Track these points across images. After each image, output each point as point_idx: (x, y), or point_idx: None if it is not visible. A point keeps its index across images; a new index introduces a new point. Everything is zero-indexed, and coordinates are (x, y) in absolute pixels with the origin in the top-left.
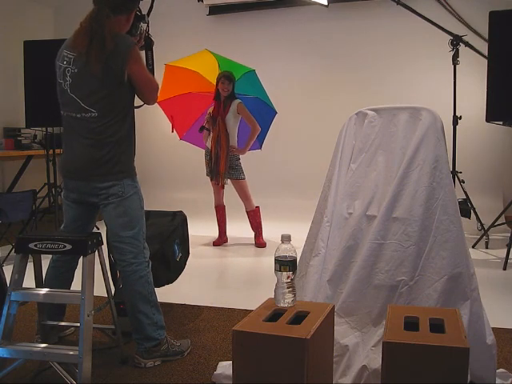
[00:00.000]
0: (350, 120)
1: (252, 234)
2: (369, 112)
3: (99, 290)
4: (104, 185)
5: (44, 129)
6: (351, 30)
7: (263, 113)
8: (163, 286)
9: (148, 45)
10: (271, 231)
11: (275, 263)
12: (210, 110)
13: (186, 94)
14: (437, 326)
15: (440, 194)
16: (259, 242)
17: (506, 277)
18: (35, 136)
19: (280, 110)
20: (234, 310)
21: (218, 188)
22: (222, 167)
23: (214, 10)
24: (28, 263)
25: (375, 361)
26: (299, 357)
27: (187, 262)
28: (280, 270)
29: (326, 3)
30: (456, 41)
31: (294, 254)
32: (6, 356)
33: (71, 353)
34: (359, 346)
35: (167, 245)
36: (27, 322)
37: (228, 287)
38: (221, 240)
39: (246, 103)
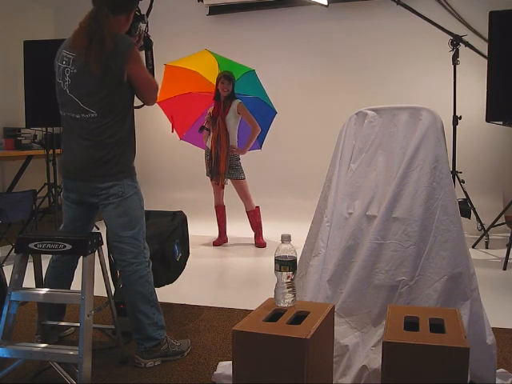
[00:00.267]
0: (349, 120)
1: (252, 234)
2: (369, 112)
3: (99, 290)
4: (104, 185)
5: (44, 129)
6: (351, 30)
7: (263, 113)
8: (163, 286)
9: (147, 45)
10: (271, 231)
11: (275, 263)
12: (210, 110)
13: (186, 94)
14: (437, 326)
15: (440, 194)
16: (259, 242)
17: (506, 277)
18: (35, 136)
19: (280, 110)
20: (234, 310)
21: (218, 188)
22: (222, 167)
23: (214, 9)
24: (28, 263)
25: (375, 361)
26: (299, 357)
27: (187, 262)
28: (280, 270)
29: (326, 3)
30: (456, 41)
31: (294, 254)
32: (6, 356)
33: (71, 353)
34: (359, 346)
35: (167, 245)
36: (27, 322)
37: (228, 287)
38: (221, 240)
39: (246, 103)
